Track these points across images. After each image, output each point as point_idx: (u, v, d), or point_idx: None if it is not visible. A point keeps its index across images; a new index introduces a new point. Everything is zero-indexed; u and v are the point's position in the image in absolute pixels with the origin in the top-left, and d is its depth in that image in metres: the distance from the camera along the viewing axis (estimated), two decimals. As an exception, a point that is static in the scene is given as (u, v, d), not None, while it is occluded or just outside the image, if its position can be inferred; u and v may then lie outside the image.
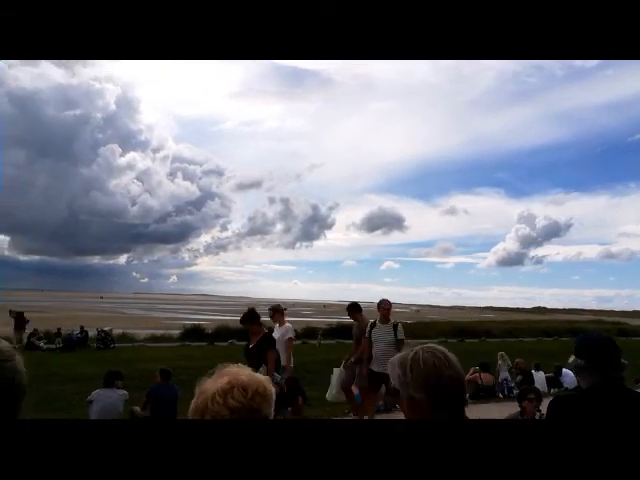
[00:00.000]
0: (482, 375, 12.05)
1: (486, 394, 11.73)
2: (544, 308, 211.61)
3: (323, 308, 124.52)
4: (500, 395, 12.11)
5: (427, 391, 1.37)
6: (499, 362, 12.79)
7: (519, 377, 12.22)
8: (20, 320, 21.32)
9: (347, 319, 10.15)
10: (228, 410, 1.16)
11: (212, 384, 1.22)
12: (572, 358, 2.20)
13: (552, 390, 12.20)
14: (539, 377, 12.43)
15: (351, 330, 9.19)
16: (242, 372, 1.26)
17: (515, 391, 11.91)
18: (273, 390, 1.27)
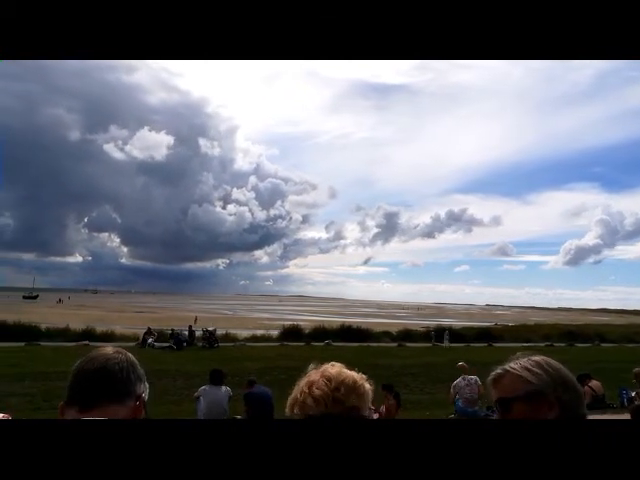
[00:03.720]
0: (592, 383, 11.12)
1: (598, 404, 10.78)
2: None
3: (417, 310, 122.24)
4: (614, 405, 11.09)
5: (576, 391, 1.30)
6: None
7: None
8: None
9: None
10: (312, 399, 1.21)
11: (305, 379, 1.28)
12: None
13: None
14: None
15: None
16: (333, 368, 1.29)
17: (638, 402, 10.83)
18: (368, 387, 1.28)
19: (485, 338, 31.91)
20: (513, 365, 1.35)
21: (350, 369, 1.32)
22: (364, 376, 1.31)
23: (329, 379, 1.24)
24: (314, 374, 1.28)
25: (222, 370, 8.34)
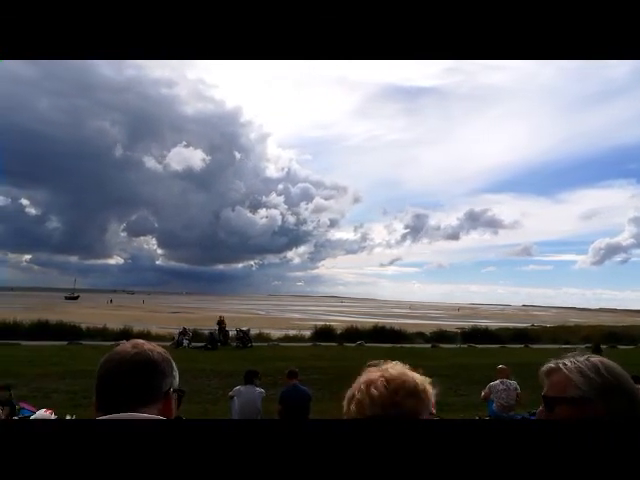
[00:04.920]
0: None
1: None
2: None
3: (457, 311, 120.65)
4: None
5: (634, 401, 1.17)
6: None
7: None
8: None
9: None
10: (369, 398, 1.18)
11: (364, 376, 1.25)
12: None
13: None
14: None
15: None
16: (395, 367, 1.26)
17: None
18: (430, 390, 1.23)
19: (522, 339, 31.14)
20: (567, 363, 1.24)
21: (415, 370, 1.27)
22: (427, 379, 1.26)
23: (389, 380, 1.20)
24: (374, 372, 1.24)
25: (257, 371, 8.41)
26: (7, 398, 8.53)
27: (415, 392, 1.20)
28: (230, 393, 8.05)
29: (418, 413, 1.18)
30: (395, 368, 1.25)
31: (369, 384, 1.20)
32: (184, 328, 24.88)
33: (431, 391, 1.23)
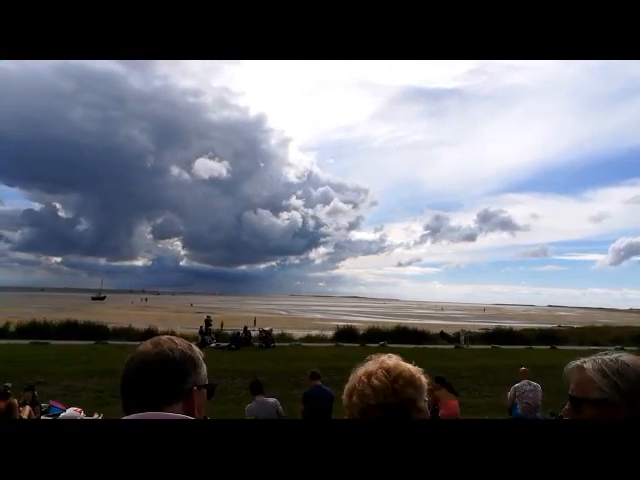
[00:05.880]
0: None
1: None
2: None
3: (482, 312, 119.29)
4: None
5: None
6: None
7: None
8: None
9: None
10: (371, 389, 1.26)
11: (362, 368, 1.35)
12: None
13: None
14: None
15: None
16: (390, 359, 1.35)
17: None
18: (424, 380, 1.32)
19: (548, 340, 30.55)
20: (591, 364, 1.21)
21: (407, 361, 1.36)
22: (420, 369, 1.35)
23: (388, 370, 1.29)
24: (372, 365, 1.33)
25: (259, 381, 7.51)
26: (33, 399, 8.78)
27: (412, 381, 1.28)
28: (246, 414, 6.98)
29: (416, 401, 1.27)
30: (391, 359, 1.35)
31: (369, 375, 1.29)
32: (208, 328, 25.10)
33: (425, 380, 1.32)
